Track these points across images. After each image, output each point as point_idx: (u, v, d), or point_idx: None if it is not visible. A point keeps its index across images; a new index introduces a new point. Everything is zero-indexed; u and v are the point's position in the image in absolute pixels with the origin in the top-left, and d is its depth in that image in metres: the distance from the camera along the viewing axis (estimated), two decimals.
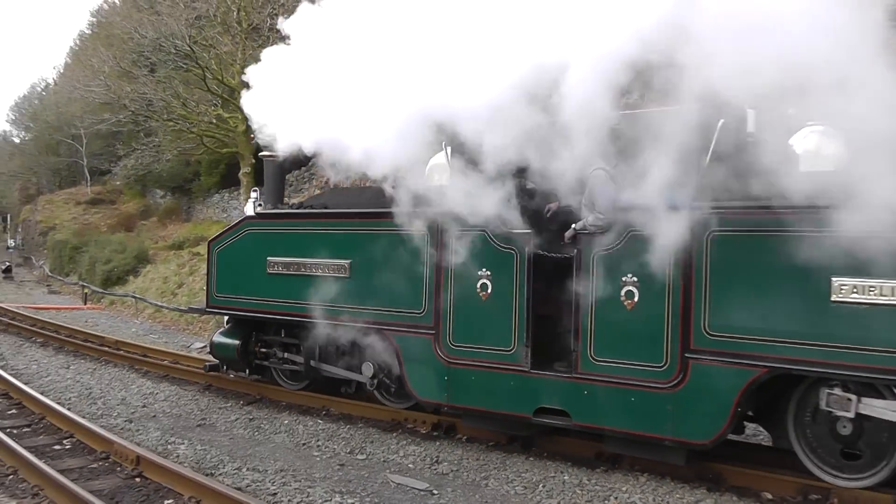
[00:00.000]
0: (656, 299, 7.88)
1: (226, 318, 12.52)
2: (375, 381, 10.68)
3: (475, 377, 9.16)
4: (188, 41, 27.28)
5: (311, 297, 10.51)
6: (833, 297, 6.92)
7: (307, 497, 7.68)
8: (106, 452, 9.09)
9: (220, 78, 27.22)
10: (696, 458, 8.26)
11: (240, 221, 11.99)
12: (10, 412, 11.38)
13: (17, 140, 78.39)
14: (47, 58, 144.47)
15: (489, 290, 9.03)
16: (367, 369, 10.62)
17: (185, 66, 28.81)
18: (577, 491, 7.98)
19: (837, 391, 7.32)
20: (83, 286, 32.55)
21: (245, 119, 29.22)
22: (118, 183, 51.37)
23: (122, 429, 10.31)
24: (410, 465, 8.91)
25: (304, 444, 9.75)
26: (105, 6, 53.44)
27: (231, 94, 26.95)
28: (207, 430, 10.53)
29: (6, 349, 17.22)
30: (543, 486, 8.13)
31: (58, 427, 10.39)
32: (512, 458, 9.12)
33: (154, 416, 11.23)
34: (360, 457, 9.25)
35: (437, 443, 9.70)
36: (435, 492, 8.04)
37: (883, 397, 7.12)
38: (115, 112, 35.09)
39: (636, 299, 8.00)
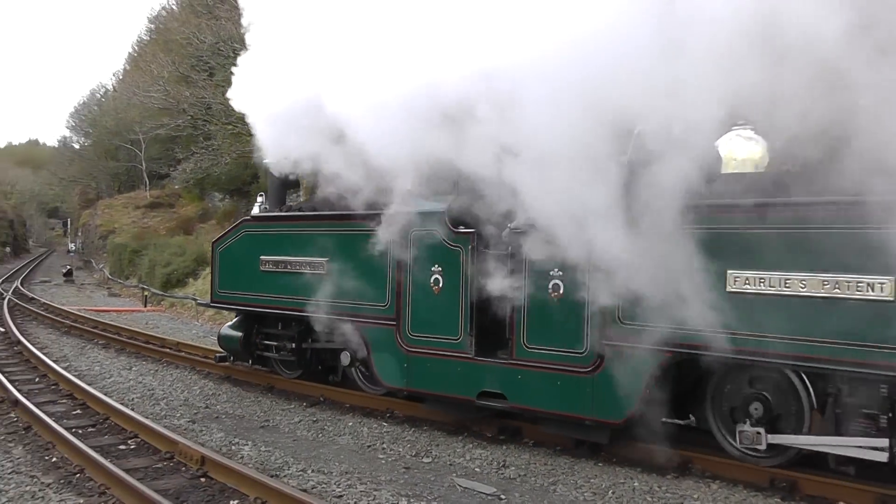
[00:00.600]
0: (578, 291, 8.69)
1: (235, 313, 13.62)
2: (352, 369, 11.98)
3: (430, 364, 10.22)
4: (247, 44, 27.45)
5: (297, 292, 11.82)
6: (728, 288, 7.70)
7: (373, 500, 7.64)
8: (170, 453, 9.14)
9: None
10: (775, 466, 8.18)
11: (238, 223, 13.34)
12: (74, 412, 11.53)
13: (76, 146, 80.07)
14: (107, 64, 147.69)
15: (441, 285, 10.09)
16: (345, 358, 11.78)
17: None
18: (648, 498, 7.86)
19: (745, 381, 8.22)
20: (143, 289, 33.06)
21: None
22: (177, 187, 52.12)
23: (185, 429, 10.38)
24: (477, 469, 8.81)
25: (368, 447, 9.71)
26: (163, 12, 54.35)
27: None
28: (271, 431, 10.55)
29: (69, 351, 17.51)
30: (613, 493, 8.00)
31: (122, 427, 10.50)
32: (580, 463, 9.00)
33: (217, 417, 11.29)
34: (425, 460, 9.18)
35: (504, 447, 9.62)
36: (502, 497, 7.93)
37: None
38: (173, 117, 35.52)
39: (561, 291, 8.89)
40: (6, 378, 13.38)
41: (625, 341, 8.42)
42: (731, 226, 7.76)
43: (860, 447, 7.51)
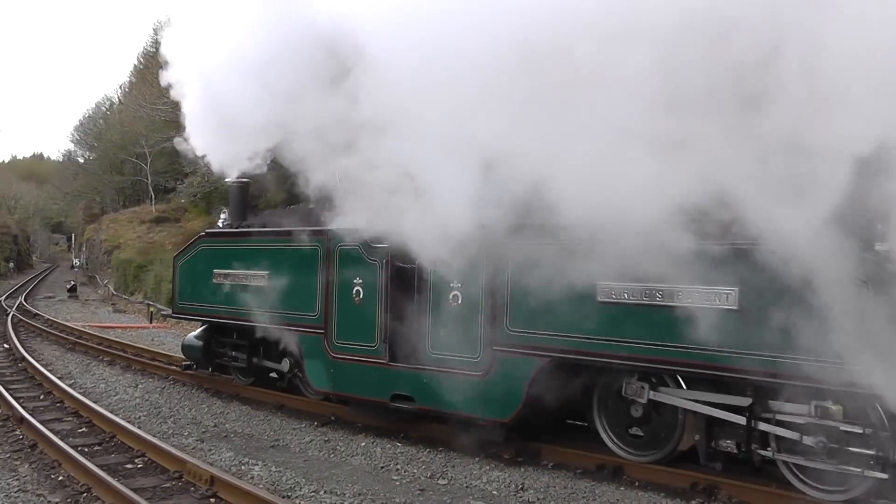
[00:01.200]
0: (474, 302, 9.75)
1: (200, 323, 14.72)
2: (291, 374, 12.87)
3: (351, 369, 11.25)
4: None
5: (244, 303, 12.85)
6: (599, 298, 8.58)
7: None
8: (179, 472, 9.08)
9: None
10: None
11: (195, 239, 14.65)
12: (80, 430, 11.49)
13: (81, 160, 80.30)
14: (112, 77, 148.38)
15: (361, 296, 11.16)
16: (285, 364, 12.84)
17: None
18: None
19: (635, 381, 8.93)
20: (149, 305, 33.03)
21: None
22: (183, 201, 52.18)
23: (193, 448, 10.33)
24: (495, 493, 8.71)
25: (382, 468, 9.63)
26: (168, 22, 54.44)
27: None
28: (281, 451, 10.47)
29: (74, 368, 17.48)
30: None
31: (129, 446, 10.45)
32: (601, 486, 8.86)
33: (226, 435, 11.24)
34: (441, 482, 9.10)
35: (522, 469, 9.50)
36: None
37: (678, 385, 8.71)
38: (180, 129, 35.51)
39: (460, 302, 9.89)
40: (11, 395, 13.36)
41: (511, 347, 9.44)
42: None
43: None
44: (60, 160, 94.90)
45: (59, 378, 15.33)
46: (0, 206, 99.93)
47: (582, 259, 8.28)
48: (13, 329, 24.45)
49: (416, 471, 9.46)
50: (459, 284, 9.86)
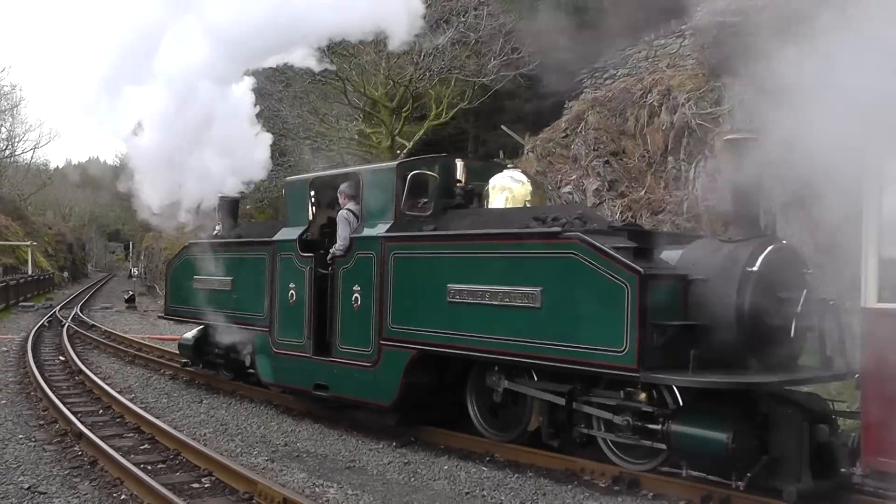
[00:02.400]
0: (368, 303, 12.29)
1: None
2: (251, 368, 15.49)
3: (288, 362, 13.87)
4: (327, 52, 27.78)
5: (216, 306, 15.83)
6: (448, 299, 10.99)
7: None
8: (249, 493, 9.09)
9: (361, 90, 27.60)
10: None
11: (182, 249, 18.21)
12: (142, 447, 11.62)
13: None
14: None
15: (294, 298, 13.79)
16: (247, 360, 15.54)
17: (323, 79, 29.24)
18: None
19: (495, 372, 11.18)
20: None
21: (390, 133, 29.92)
22: (248, 206, 52.81)
23: (263, 468, 10.35)
24: None
25: (467, 493, 9.53)
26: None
27: (374, 106, 27.31)
28: (357, 472, 10.44)
29: (134, 381, 17.74)
30: None
31: (194, 464, 10.52)
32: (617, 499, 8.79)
33: (298, 455, 11.26)
34: None
35: (619, 498, 9.33)
36: None
37: (528, 377, 10.94)
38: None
39: (359, 303, 12.42)
40: (69, 409, 13.57)
41: (392, 341, 11.84)
42: (448, 251, 11.23)
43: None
44: (117, 164, 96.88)
45: (118, 392, 15.60)
46: (54, 213, 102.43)
47: (436, 265, 11.29)
48: (69, 341, 24.94)
49: (503, 498, 9.34)
50: (359, 288, 12.43)
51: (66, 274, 75.50)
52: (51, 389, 15.65)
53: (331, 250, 13.13)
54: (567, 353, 9.56)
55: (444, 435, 11.88)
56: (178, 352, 19.32)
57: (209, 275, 16.06)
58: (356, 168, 14.46)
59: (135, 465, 10.04)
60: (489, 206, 12.24)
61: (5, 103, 69.40)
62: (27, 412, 14.18)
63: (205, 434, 12.36)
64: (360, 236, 12.53)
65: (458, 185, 12.77)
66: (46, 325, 31.40)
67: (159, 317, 23.80)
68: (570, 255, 9.57)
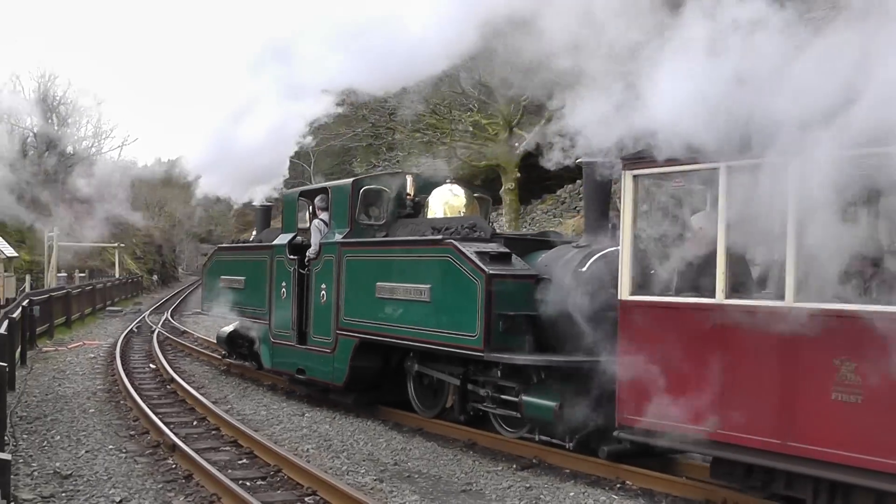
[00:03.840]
0: (331, 298, 15.74)
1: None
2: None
3: (280, 350, 17.67)
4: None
5: (236, 302, 19.92)
6: (377, 295, 14.34)
7: None
8: None
9: (477, 77, 27.43)
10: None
11: (212, 252, 23.01)
12: (240, 461, 11.77)
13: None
14: None
15: (285, 295, 17.41)
16: (255, 349, 19.01)
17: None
18: None
19: (411, 358, 14.64)
20: None
21: (507, 125, 29.73)
22: None
23: (371, 489, 10.36)
24: None
25: None
26: None
27: (490, 94, 27.15)
28: (474, 496, 10.37)
29: (230, 392, 18.03)
30: None
31: (297, 482, 10.59)
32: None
33: (409, 476, 11.26)
34: None
35: None
36: None
37: (433, 361, 14.18)
38: (351, 125, 36.19)
39: (325, 298, 15.93)
40: (161, 420, 13.83)
41: (344, 331, 15.29)
42: (376, 255, 14.92)
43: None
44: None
45: (213, 402, 15.91)
46: (143, 213, 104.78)
47: (370, 267, 14.86)
48: (160, 348, 25.58)
49: None
50: (325, 286, 15.97)
51: (155, 277, 77.34)
52: (141, 398, 16.05)
53: (307, 253, 16.77)
54: (445, 338, 12.90)
55: (570, 458, 11.73)
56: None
57: (231, 275, 20.33)
58: (327, 183, 18.91)
59: (233, 480, 10.16)
60: (429, 216, 15.39)
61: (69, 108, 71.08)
62: (117, 422, 14.51)
63: (307, 450, 12.46)
64: (326, 242, 16.26)
65: (408, 197, 16.10)
66: (135, 330, 32.35)
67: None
68: (447, 259, 12.94)
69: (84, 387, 18.53)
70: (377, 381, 15.41)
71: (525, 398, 12.00)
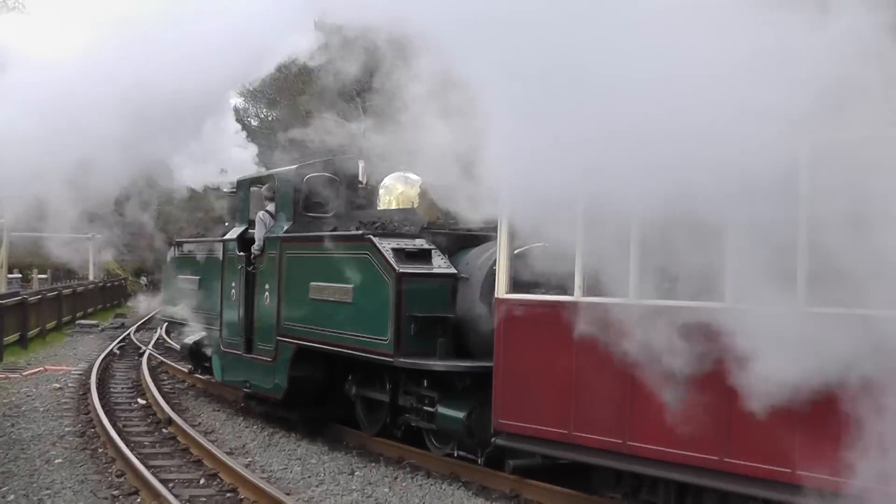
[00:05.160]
0: (274, 300, 18.30)
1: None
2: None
3: (230, 360, 20.15)
4: None
5: (192, 305, 22.56)
6: (310, 295, 17.03)
7: None
8: None
9: None
10: None
11: (172, 247, 26.07)
12: None
13: (255, 122, 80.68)
14: None
15: (234, 296, 19.90)
16: (210, 358, 21.90)
17: None
18: None
19: (350, 380, 17.41)
20: None
21: None
22: None
23: None
24: None
25: None
26: None
27: None
28: None
29: (249, 439, 18.04)
30: None
31: None
32: None
33: None
34: None
35: None
36: None
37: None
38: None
39: (269, 301, 18.50)
40: (155, 476, 13.84)
41: (284, 337, 17.67)
42: (309, 252, 17.52)
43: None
44: None
45: (227, 453, 15.81)
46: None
47: (306, 265, 17.48)
48: (151, 375, 25.73)
49: None
50: (268, 286, 18.33)
51: (144, 280, 77.39)
52: (128, 446, 16.00)
53: (251, 249, 19.24)
54: (364, 343, 15.34)
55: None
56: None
57: (187, 274, 23.27)
58: (274, 170, 20.68)
59: None
60: (379, 207, 17.77)
61: None
62: (94, 477, 14.54)
63: None
64: (269, 237, 18.71)
65: (359, 185, 18.76)
66: (117, 352, 32.64)
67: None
68: (365, 256, 15.28)
69: (47, 428, 18.57)
70: (323, 394, 18.00)
71: (439, 409, 14.47)
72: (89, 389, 22.65)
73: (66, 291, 45.18)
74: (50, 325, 38.86)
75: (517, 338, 12.66)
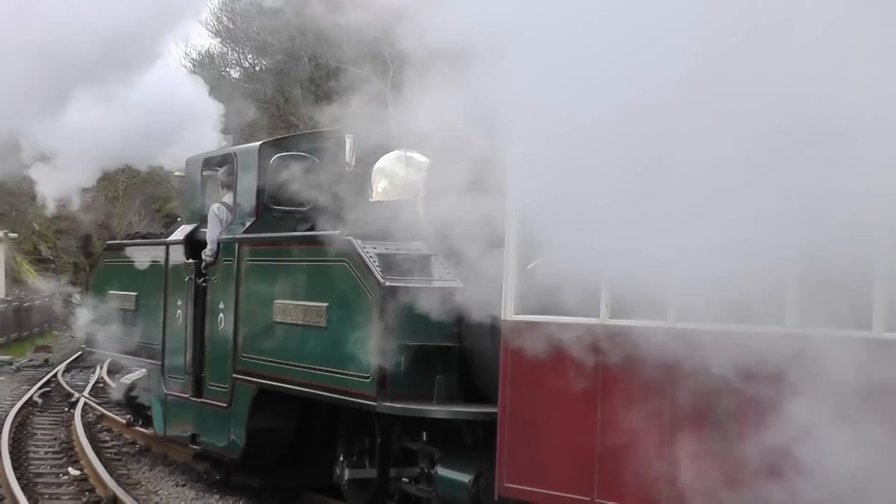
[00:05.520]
0: (230, 324, 16.78)
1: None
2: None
3: (175, 406, 18.57)
4: None
5: (126, 332, 20.43)
6: (274, 318, 15.68)
7: None
8: None
9: None
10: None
11: (101, 253, 26.18)
12: None
13: (236, 74, 70.97)
14: None
15: (179, 319, 18.21)
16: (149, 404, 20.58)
17: None
18: None
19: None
20: None
21: None
22: None
23: None
24: None
25: None
26: None
27: None
28: None
29: None
30: None
31: None
32: None
33: None
34: None
35: None
36: None
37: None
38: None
39: (223, 325, 16.99)
40: None
41: (242, 374, 16.04)
42: (274, 258, 16.47)
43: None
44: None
45: None
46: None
47: (269, 276, 16.45)
48: (86, 433, 24.16)
49: None
50: (223, 305, 16.68)
51: (78, 297, 71.82)
52: None
53: (202, 255, 17.11)
54: (339, 380, 13.70)
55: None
56: None
57: (120, 289, 20.78)
58: (233, 147, 18.78)
59: None
60: (372, 198, 15.35)
61: None
62: None
63: None
64: (224, 238, 16.50)
65: (347, 168, 15.95)
66: (39, 401, 31.22)
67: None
68: (343, 264, 13.65)
69: None
70: (293, 451, 15.99)
71: (439, 471, 12.93)
72: None
73: None
74: None
75: (529, 372, 11.25)
